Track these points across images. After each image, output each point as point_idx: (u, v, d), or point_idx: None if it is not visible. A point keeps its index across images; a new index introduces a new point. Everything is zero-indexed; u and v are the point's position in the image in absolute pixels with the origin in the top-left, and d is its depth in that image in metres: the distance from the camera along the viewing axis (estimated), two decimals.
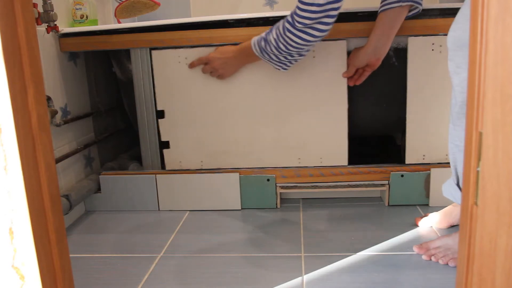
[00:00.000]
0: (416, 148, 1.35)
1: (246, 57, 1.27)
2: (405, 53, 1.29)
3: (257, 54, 1.23)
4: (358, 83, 1.31)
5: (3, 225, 0.50)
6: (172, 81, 1.36)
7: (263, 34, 1.20)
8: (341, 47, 1.29)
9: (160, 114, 1.39)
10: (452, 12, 1.24)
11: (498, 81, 0.46)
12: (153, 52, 1.35)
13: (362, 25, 1.25)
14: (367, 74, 1.28)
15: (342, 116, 1.34)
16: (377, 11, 1.20)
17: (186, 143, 1.40)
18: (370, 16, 1.24)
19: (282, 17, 1.26)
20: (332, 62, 1.30)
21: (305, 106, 1.34)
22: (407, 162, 1.36)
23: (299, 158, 1.38)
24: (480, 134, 0.47)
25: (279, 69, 1.26)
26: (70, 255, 0.59)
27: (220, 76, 1.33)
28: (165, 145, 1.41)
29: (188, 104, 1.37)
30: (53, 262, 0.54)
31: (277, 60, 1.22)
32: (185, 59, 1.34)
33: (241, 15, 1.28)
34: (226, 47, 1.30)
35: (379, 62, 1.24)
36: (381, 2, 1.19)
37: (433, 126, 1.33)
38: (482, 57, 0.46)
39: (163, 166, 1.43)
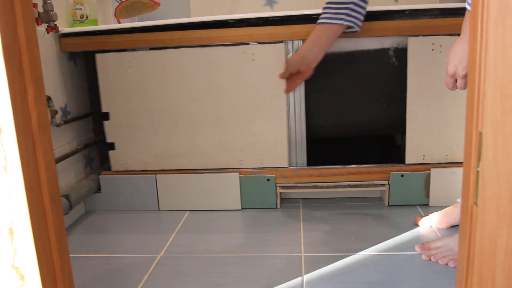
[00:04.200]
0: (416, 148, 1.35)
1: (320, 39, 1.19)
2: (405, 53, 1.29)
3: (332, 21, 1.16)
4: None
5: (3, 225, 0.50)
6: (116, 84, 1.37)
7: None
8: (279, 50, 1.30)
9: (105, 116, 1.39)
10: (452, 12, 1.24)
11: (498, 81, 0.46)
12: (97, 55, 1.35)
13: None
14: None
15: (282, 117, 1.35)
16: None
17: (131, 145, 1.41)
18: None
19: (283, 17, 1.27)
20: (271, 65, 1.31)
21: (245, 108, 1.35)
22: (407, 162, 1.36)
23: (241, 160, 1.39)
24: (480, 134, 0.47)
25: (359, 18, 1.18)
26: (70, 255, 0.59)
27: (307, 73, 1.25)
28: (110, 146, 1.42)
29: (132, 107, 1.38)
30: (53, 262, 0.54)
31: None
32: (128, 62, 1.34)
33: (241, 15, 1.28)
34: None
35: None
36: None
37: (433, 126, 1.33)
38: (482, 57, 0.46)
39: (109, 167, 1.44)
